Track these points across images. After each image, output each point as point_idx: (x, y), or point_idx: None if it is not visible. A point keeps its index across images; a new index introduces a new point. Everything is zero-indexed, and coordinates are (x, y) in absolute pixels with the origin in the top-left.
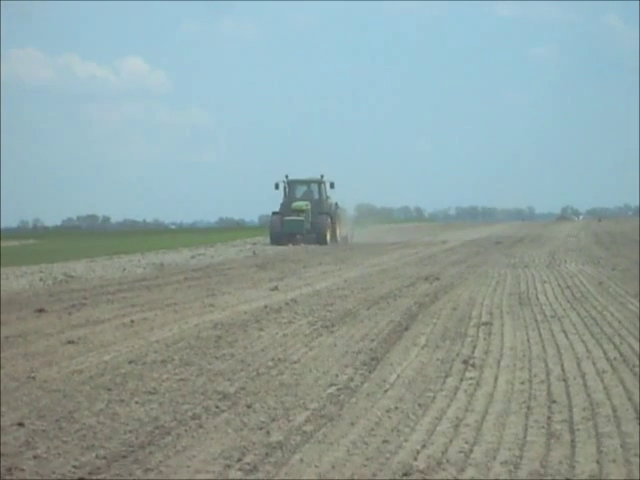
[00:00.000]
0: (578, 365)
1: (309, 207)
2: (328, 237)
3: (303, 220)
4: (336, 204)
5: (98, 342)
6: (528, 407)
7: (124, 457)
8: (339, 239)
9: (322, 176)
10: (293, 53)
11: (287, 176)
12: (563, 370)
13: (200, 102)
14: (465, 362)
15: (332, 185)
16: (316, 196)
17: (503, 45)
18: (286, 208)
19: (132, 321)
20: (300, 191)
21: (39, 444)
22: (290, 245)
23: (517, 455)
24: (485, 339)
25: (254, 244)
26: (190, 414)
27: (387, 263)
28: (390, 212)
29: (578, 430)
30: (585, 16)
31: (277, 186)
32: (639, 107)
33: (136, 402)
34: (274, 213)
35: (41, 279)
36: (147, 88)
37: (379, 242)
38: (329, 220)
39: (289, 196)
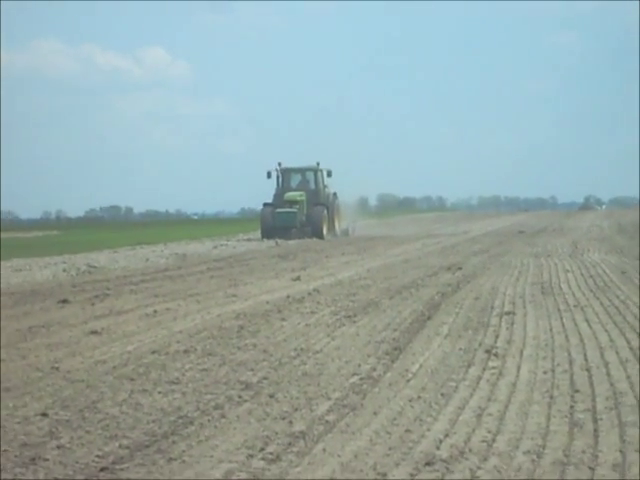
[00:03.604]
0: (601, 354)
1: (304, 198)
2: (325, 230)
3: (296, 212)
4: (334, 194)
5: (121, 332)
6: (551, 396)
7: (147, 447)
8: (338, 232)
9: (318, 164)
10: (315, 42)
11: (280, 164)
12: (586, 359)
13: (222, 92)
14: (488, 352)
15: (329, 173)
16: (312, 186)
17: (525, 32)
18: (279, 199)
19: (155, 311)
20: (295, 180)
21: (63, 434)
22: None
23: (540, 444)
24: (508, 328)
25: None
26: (213, 404)
27: (409, 253)
28: (412, 202)
29: (601, 419)
30: (605, 1)
31: (269, 175)
32: None
33: (159, 392)
34: (265, 204)
35: (64, 270)
36: (169, 78)
37: (399, 235)
38: (326, 212)
39: (283, 186)
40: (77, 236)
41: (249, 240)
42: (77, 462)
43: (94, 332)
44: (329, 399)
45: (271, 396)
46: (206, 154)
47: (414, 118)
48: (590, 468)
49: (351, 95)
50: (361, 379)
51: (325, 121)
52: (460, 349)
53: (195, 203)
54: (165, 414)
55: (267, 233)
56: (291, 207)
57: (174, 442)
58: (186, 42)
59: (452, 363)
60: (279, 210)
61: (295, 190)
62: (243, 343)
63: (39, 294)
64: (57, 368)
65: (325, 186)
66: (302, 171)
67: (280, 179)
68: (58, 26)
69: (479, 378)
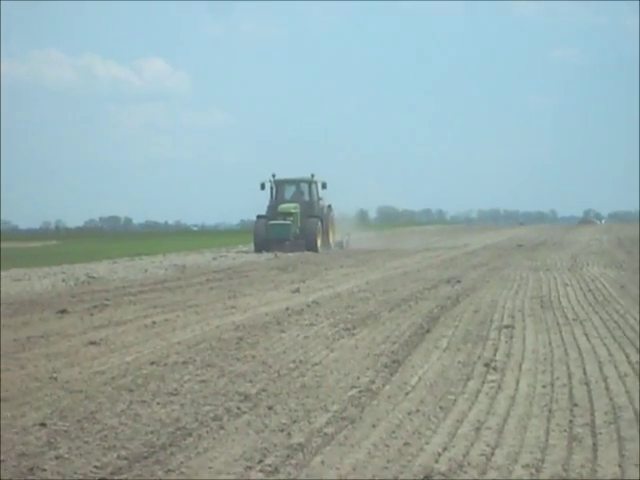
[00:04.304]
0: (600, 369)
1: (298, 210)
2: (319, 243)
3: (290, 224)
4: (329, 206)
5: (120, 343)
6: (550, 410)
7: (145, 458)
8: (332, 245)
9: (313, 175)
10: (315, 54)
11: (274, 175)
12: (585, 373)
13: (222, 104)
14: (487, 365)
15: (324, 185)
16: (306, 198)
17: (525, 47)
18: (272, 211)
19: (154, 322)
20: (289, 192)
21: (61, 444)
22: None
23: (539, 458)
24: (507, 342)
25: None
26: (211, 415)
27: (409, 266)
28: (412, 214)
29: (600, 434)
30: (607, 17)
31: (263, 186)
32: None
33: (157, 403)
34: (259, 217)
35: (63, 280)
36: (168, 90)
37: (399, 247)
38: (320, 224)
39: (276, 198)
40: (76, 246)
41: (248, 252)
42: (75, 473)
43: (93, 342)
44: (328, 411)
45: (270, 408)
46: (206, 165)
47: (414, 131)
48: None
49: (351, 108)
50: (360, 392)
51: (325, 133)
52: (459, 362)
53: (195, 214)
54: (163, 425)
55: (260, 246)
56: (285, 219)
57: (172, 453)
58: (186, 53)
59: (451, 376)
60: (272, 222)
61: (289, 202)
62: (242, 355)
63: (38, 304)
64: (56, 378)
65: (320, 198)
66: (296, 183)
67: (274, 191)
68: (58, 36)
69: (478, 391)
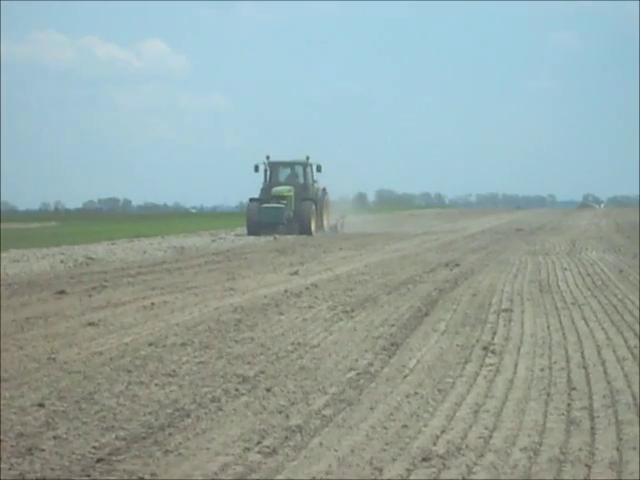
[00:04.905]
0: (598, 352)
1: (292, 193)
2: (313, 227)
3: (283, 208)
4: (324, 189)
5: (118, 324)
6: (548, 394)
7: (144, 439)
8: (326, 229)
9: (308, 157)
10: (314, 37)
11: (268, 157)
12: (583, 357)
13: (221, 86)
14: (485, 348)
15: (319, 168)
16: (301, 180)
17: (526, 31)
18: (266, 194)
19: (152, 304)
20: (283, 174)
21: (59, 425)
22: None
23: (537, 441)
24: (505, 325)
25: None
26: (210, 397)
27: (407, 249)
28: (411, 198)
29: (598, 417)
30: (606, 1)
31: (257, 168)
32: None
33: (156, 384)
34: (252, 199)
35: (62, 261)
36: (168, 71)
37: (397, 231)
38: (314, 207)
39: (270, 180)
40: (75, 228)
41: (247, 234)
42: (73, 453)
43: (91, 324)
44: (326, 393)
45: (268, 390)
46: (205, 148)
47: (414, 115)
48: (587, 466)
49: (350, 92)
50: (358, 374)
51: (324, 117)
52: (457, 345)
53: (193, 196)
54: (162, 406)
55: (253, 229)
56: (278, 202)
57: (170, 434)
58: (186, 35)
59: (449, 359)
60: (266, 205)
61: (283, 184)
62: (240, 337)
63: (37, 285)
64: (54, 359)
65: (314, 181)
66: (291, 165)
67: (268, 173)
68: (58, 17)
69: (476, 374)
